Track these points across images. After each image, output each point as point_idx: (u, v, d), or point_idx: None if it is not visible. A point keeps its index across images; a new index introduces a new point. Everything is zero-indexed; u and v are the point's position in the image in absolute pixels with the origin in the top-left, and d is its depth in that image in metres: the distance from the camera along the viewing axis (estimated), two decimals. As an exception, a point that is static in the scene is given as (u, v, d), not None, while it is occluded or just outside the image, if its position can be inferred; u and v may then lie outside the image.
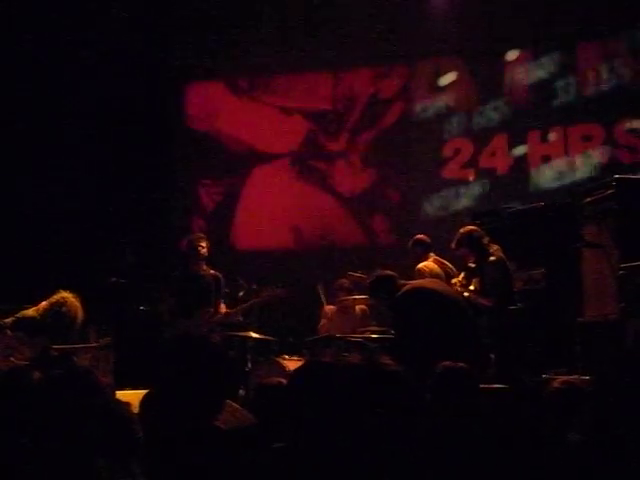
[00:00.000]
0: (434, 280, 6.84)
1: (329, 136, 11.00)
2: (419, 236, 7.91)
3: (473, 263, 6.97)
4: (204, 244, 7.64)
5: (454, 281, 7.08)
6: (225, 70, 11.36)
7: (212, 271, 7.71)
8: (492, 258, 6.80)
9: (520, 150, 9.77)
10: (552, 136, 9.47)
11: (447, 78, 10.40)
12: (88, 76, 10.30)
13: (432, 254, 7.78)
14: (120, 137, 10.55)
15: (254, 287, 8.02)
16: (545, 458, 3.42)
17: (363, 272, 8.04)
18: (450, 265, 7.69)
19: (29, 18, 9.85)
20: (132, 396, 4.20)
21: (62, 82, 10.19)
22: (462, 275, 7.07)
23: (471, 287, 6.94)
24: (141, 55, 10.79)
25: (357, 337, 7.34)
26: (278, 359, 7.62)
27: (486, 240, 6.93)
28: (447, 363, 3.90)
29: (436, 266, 7.50)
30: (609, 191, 6.42)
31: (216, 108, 11.46)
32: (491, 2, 9.89)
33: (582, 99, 9.59)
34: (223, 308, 7.69)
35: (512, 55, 10.02)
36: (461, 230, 7.07)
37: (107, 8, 10.28)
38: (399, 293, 6.11)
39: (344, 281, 8.49)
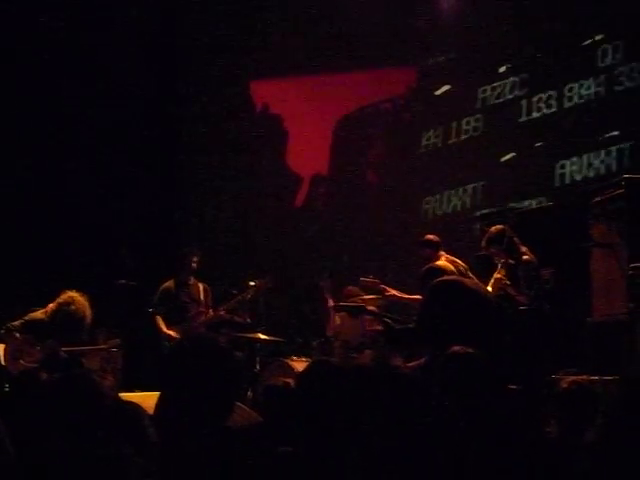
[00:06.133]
0: (474, 280, 6.71)
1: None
2: (428, 236, 7.70)
3: (502, 261, 6.87)
4: (196, 259, 8.10)
5: (497, 275, 6.89)
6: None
7: (200, 283, 8.14)
8: (526, 257, 6.77)
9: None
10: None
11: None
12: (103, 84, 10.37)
13: (443, 253, 7.59)
14: (127, 142, 10.60)
15: (251, 284, 8.06)
16: (556, 458, 3.41)
17: (375, 276, 7.95)
18: (460, 262, 7.54)
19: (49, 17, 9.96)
20: (140, 398, 4.20)
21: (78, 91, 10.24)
22: (503, 271, 6.89)
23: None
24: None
25: (387, 315, 7.17)
26: (287, 360, 7.62)
27: (517, 240, 6.90)
28: (456, 348, 3.77)
29: (449, 265, 7.39)
30: (618, 191, 6.39)
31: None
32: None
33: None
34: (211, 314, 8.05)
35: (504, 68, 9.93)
36: (492, 229, 7.01)
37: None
38: (434, 282, 5.95)
39: (352, 289, 8.28)
